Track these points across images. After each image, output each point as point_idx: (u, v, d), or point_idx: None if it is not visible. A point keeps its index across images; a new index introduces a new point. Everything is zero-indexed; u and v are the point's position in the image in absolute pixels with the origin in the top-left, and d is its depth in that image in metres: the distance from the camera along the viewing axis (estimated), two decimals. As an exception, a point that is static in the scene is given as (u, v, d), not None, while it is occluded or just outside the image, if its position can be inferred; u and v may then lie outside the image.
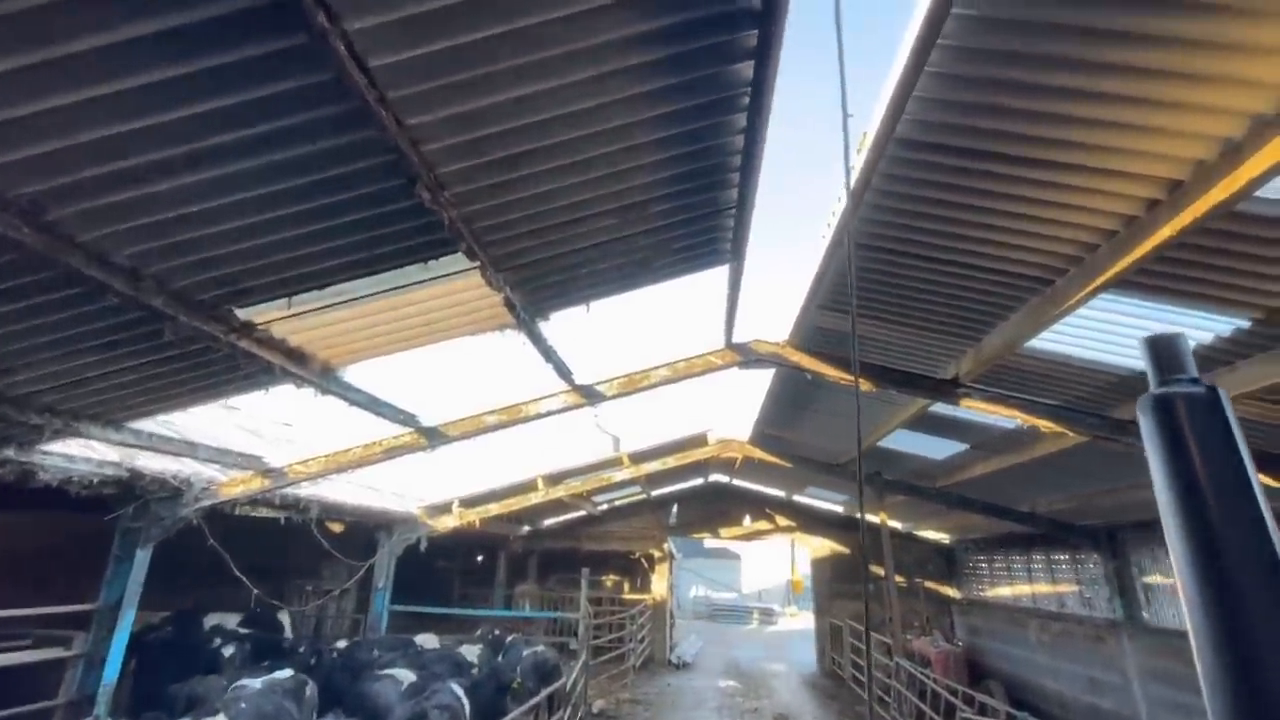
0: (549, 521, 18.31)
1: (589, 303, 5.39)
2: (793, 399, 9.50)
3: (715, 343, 6.89)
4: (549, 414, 7.03)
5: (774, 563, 38.20)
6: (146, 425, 6.15)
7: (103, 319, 3.86)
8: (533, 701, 7.58)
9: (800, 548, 22.82)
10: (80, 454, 5.61)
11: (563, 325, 5.55)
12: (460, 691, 6.97)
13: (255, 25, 2.41)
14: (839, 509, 18.28)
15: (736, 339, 6.87)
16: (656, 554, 19.23)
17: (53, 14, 2.19)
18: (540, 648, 10.52)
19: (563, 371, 6.37)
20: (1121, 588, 10.95)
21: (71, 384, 4.63)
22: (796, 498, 18.54)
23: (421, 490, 13.61)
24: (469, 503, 12.47)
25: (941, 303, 5.63)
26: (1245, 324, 4.74)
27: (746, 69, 3.36)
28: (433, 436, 7.13)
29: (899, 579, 16.55)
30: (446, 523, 12.11)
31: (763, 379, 8.67)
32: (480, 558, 19.79)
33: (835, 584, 18.74)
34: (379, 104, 2.84)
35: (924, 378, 6.89)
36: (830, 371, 6.85)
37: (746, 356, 6.91)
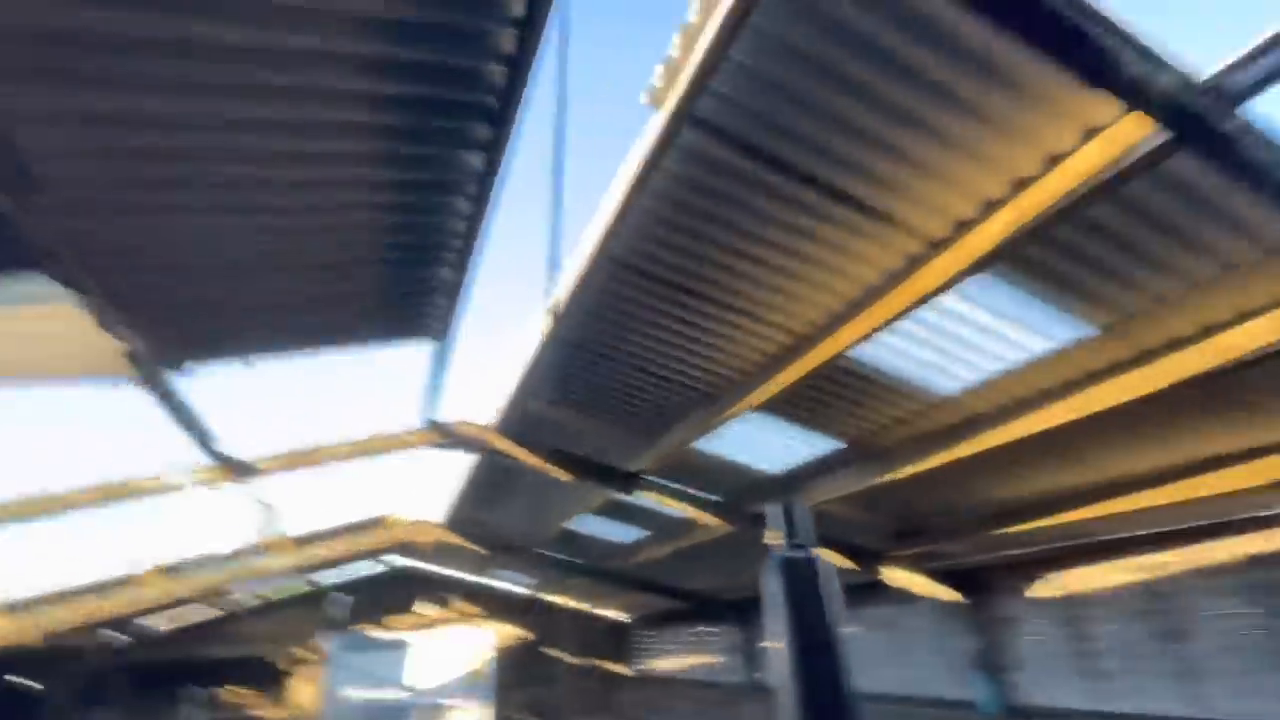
0: (161, 624, 14.08)
1: (250, 357, 4.47)
2: (490, 482, 9.25)
3: (406, 421, 6.34)
4: (176, 490, 5.49)
5: (452, 651, 35.67)
6: None
7: None
8: None
9: (486, 633, 21.79)
10: None
11: (214, 383, 4.46)
12: None
13: None
14: (524, 590, 18.10)
15: (438, 419, 6.45)
16: (305, 656, 16.21)
17: None
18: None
19: (203, 438, 5.09)
20: (748, 654, 12.90)
21: None
22: (480, 580, 17.81)
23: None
24: (22, 607, 8.86)
25: (635, 403, 6.16)
26: (841, 445, 6.21)
27: (476, 159, 3.31)
28: (-36, 519, 4.91)
29: (574, 660, 16.86)
30: (-29, 639, 8.35)
31: (461, 461, 8.27)
32: (39, 686, 14.02)
33: (515, 670, 18.19)
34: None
35: (614, 470, 7.37)
36: (531, 459, 6.85)
37: (448, 438, 6.51)
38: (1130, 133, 2.72)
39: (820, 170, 3.35)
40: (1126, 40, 2.14)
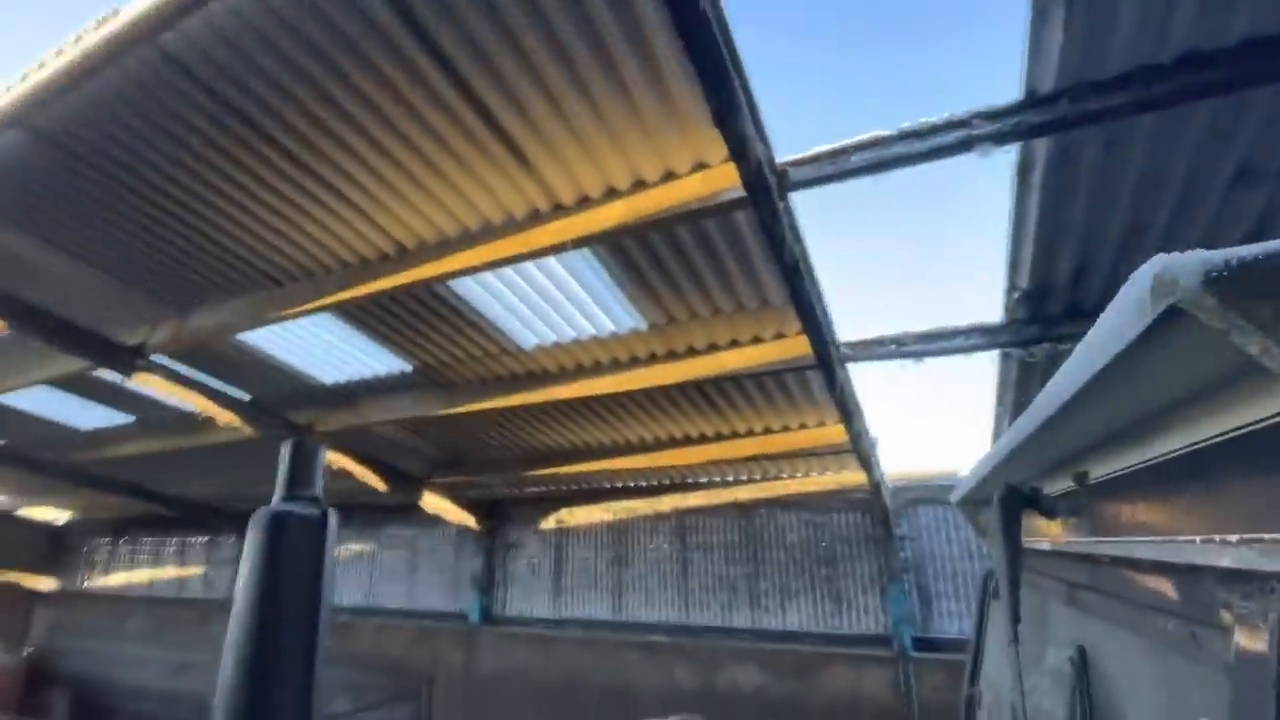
0: None
1: None
2: None
3: None
4: None
5: None
6: None
7: None
8: None
9: None
10: None
11: None
12: None
13: None
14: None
15: None
16: None
17: None
18: None
19: None
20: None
21: None
22: None
23: None
24: None
25: (159, 260, 4.60)
26: (408, 369, 5.95)
27: None
28: None
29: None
30: None
31: None
32: None
33: None
34: None
35: (100, 338, 5.42)
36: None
37: None
38: (723, 178, 3.28)
39: (477, 79, 3.03)
40: (748, 100, 2.53)
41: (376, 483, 8.06)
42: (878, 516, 6.96)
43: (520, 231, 3.92)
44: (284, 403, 6.84)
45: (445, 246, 4.19)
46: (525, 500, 9.53)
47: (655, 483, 8.32)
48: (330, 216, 4.07)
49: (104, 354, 5.48)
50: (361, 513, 10.79)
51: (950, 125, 2.81)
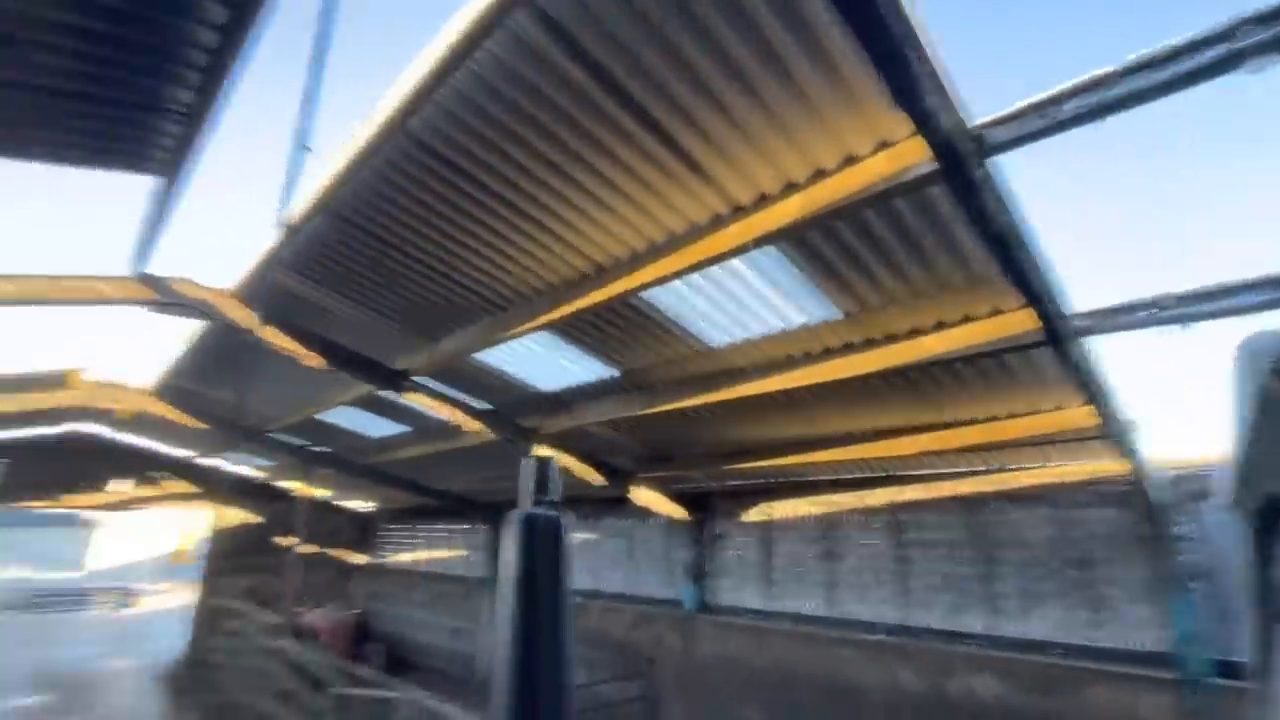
0: None
1: None
2: (225, 354, 7.92)
3: (114, 267, 5.04)
4: None
5: (151, 530, 31.19)
6: None
7: None
8: None
9: (197, 513, 19.35)
10: None
11: None
12: None
13: None
14: (256, 474, 16.35)
15: (155, 270, 5.22)
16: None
17: None
18: None
19: None
20: (493, 553, 13.46)
21: None
22: (205, 461, 15.61)
23: None
24: None
25: (415, 300, 5.66)
26: (616, 374, 6.49)
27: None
28: None
29: (311, 548, 15.95)
30: None
31: (185, 325, 6.88)
32: None
33: (236, 557, 16.58)
34: None
35: (379, 366, 6.80)
36: (285, 342, 5.97)
37: (164, 296, 5.32)
38: (910, 154, 3.08)
39: (654, 107, 3.24)
40: (931, 71, 2.36)
41: (594, 477, 8.87)
42: (1144, 512, 5.84)
43: (703, 237, 4.07)
44: (515, 410, 7.89)
45: (636, 261, 4.51)
46: (731, 493, 9.72)
47: (863, 475, 7.93)
48: (537, 247, 4.64)
49: (383, 378, 6.86)
50: (585, 505, 11.92)
51: (1204, 43, 2.32)
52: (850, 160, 3.36)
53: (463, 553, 14.90)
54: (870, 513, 8.05)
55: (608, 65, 3.06)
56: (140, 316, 5.42)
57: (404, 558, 16.92)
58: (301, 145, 3.20)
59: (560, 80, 3.18)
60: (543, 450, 7.95)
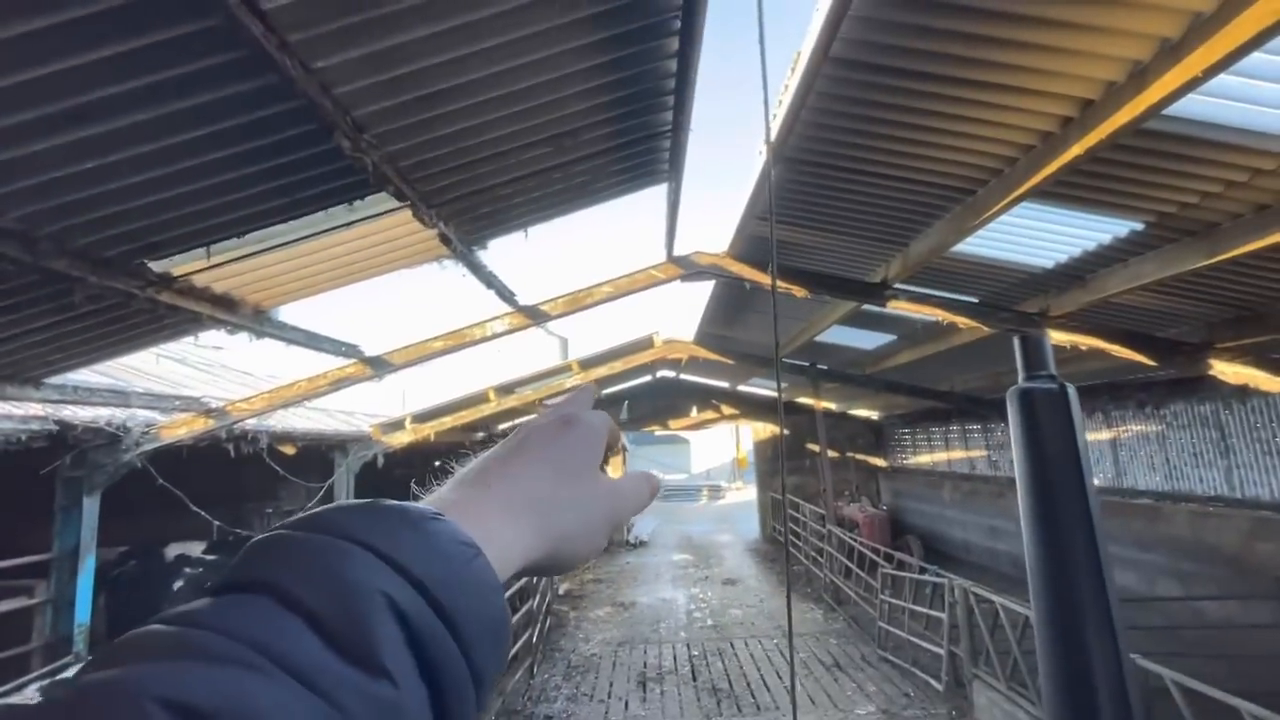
0: (503, 426, 18.74)
1: (527, 228, 5.29)
2: (734, 302, 9.78)
3: (657, 257, 6.93)
4: (494, 336, 7.05)
5: (720, 443, 40.65)
6: (73, 378, 5.86)
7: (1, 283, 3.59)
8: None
9: (744, 428, 24.34)
10: (2, 412, 5.35)
11: (504, 250, 5.46)
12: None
13: (125, -28, 2.14)
14: (775, 394, 19.40)
15: (678, 252, 6.93)
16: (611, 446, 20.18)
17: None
18: (505, 546, 11.14)
19: (505, 295, 6.33)
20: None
21: (-22, 348, 4.35)
22: (740, 387, 19.50)
23: (373, 408, 13.56)
24: (422, 418, 12.58)
25: (874, 213, 5.81)
26: (1139, 227, 5.14)
27: (676, -9, 3.20)
28: (378, 365, 7.07)
29: (832, 453, 18.06)
30: (401, 439, 12.26)
31: (706, 284, 8.83)
32: (438, 463, 20.24)
33: (775, 461, 20.30)
34: (280, 50, 2.60)
35: (855, 282, 7.21)
36: (765, 280, 7.06)
37: (688, 269, 7.01)
38: None
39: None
40: None
41: (1137, 357, 7.20)
42: None
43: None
44: (1008, 297, 7.12)
45: (1139, 78, 3.50)
46: None
47: None
48: (994, 112, 4.11)
49: (863, 293, 7.23)
50: (1130, 392, 9.77)
51: None
52: None
53: (983, 452, 14.25)
54: None
55: None
56: (678, 287, 7.22)
57: (922, 459, 17.29)
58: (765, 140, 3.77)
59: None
60: (1057, 335, 6.93)
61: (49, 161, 2.88)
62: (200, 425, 6.94)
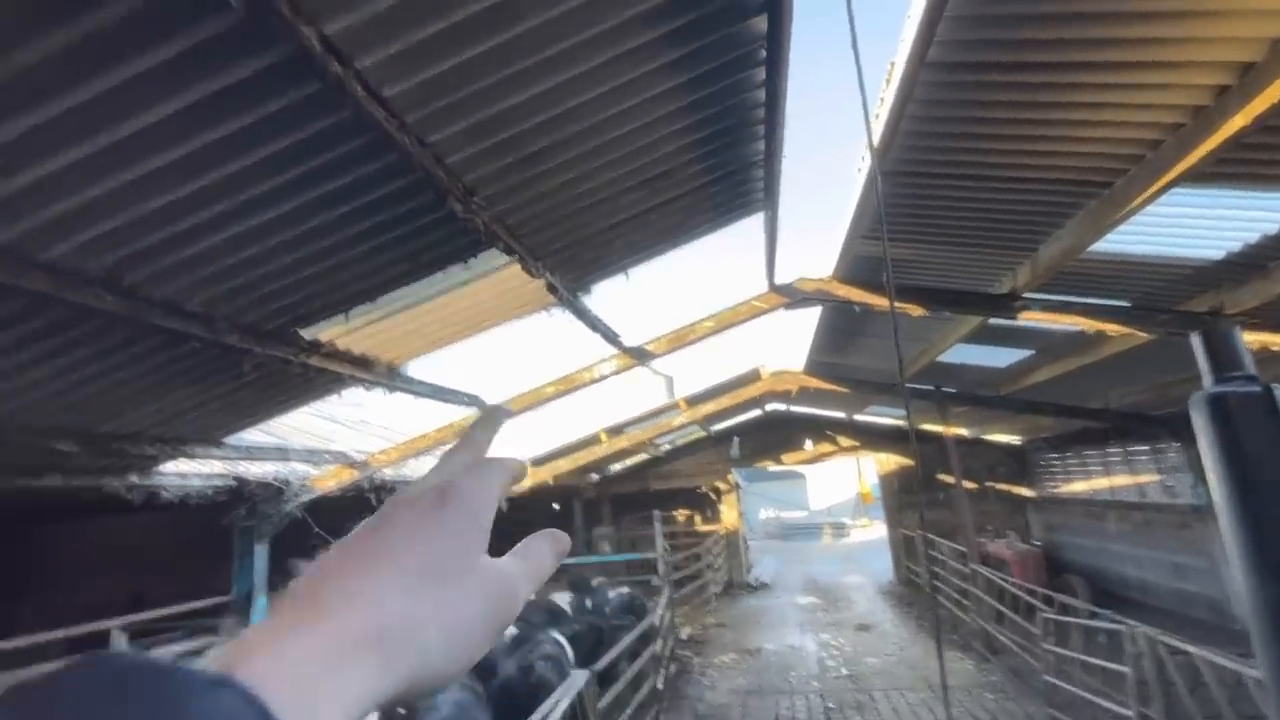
0: (616, 467, 18.98)
1: (627, 270, 5.42)
2: (844, 327, 9.38)
3: (758, 287, 6.83)
4: (602, 379, 7.22)
5: (839, 477, 38.59)
6: (245, 437, 6.69)
7: (188, 359, 4.19)
8: (627, 639, 8.13)
9: (865, 460, 23.00)
10: (192, 470, 6.20)
11: (606, 293, 5.64)
12: (562, 640, 7.54)
13: (273, 83, 2.48)
14: (900, 423, 18.17)
15: (780, 280, 6.79)
16: (722, 486, 19.75)
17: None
18: (625, 589, 11.15)
19: (610, 337, 6.49)
20: (1196, 473, 10.65)
21: (172, 416, 5.08)
22: (857, 417, 18.50)
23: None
24: (539, 461, 13.05)
25: (991, 219, 5.39)
26: (1334, 200, 4.37)
27: (760, 22, 3.21)
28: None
29: (969, 484, 16.54)
30: (520, 484, 12.78)
31: (812, 311, 8.56)
32: (556, 506, 20.80)
33: (903, 495, 18.87)
34: (400, 130, 2.89)
35: (978, 295, 6.67)
36: (876, 301, 6.71)
37: (792, 297, 6.84)
38: None
39: None
40: None
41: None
42: None
43: None
44: (1167, 296, 6.26)
45: (1312, 29, 3.02)
46: None
47: None
48: (1130, 94, 3.70)
49: (988, 306, 6.67)
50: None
51: None
52: None
53: (1154, 477, 12.41)
54: None
55: None
56: (782, 316, 7.06)
57: (1077, 487, 15.35)
58: (869, 146, 3.66)
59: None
60: (1244, 334, 5.96)
61: (221, 251, 3.35)
62: (347, 476, 7.62)
